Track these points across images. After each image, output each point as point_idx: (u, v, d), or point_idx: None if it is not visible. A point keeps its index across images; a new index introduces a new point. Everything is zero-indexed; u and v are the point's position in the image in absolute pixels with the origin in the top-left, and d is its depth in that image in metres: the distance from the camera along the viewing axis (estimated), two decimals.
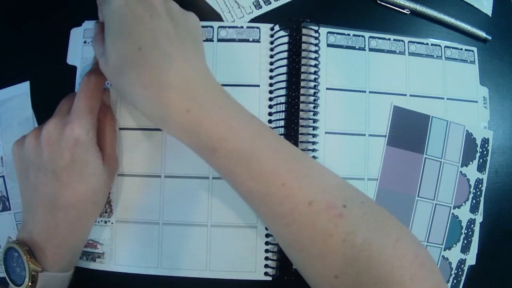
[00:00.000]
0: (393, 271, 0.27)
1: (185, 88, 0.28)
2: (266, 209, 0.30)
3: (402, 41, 0.42)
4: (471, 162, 0.41)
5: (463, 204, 0.41)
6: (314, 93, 0.39)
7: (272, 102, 0.39)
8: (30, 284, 0.31)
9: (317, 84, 0.39)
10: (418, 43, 0.42)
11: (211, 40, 0.39)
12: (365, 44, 0.41)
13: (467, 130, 0.41)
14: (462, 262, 0.40)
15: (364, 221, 0.28)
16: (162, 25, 0.29)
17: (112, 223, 0.38)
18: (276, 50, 0.39)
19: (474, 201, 0.41)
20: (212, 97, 0.29)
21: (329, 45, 0.40)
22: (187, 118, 0.28)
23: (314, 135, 0.38)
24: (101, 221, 0.38)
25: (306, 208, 0.28)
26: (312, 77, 0.39)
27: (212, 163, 0.31)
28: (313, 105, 0.39)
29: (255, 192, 0.30)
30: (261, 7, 0.41)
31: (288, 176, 0.29)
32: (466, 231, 0.41)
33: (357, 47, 0.41)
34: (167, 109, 0.28)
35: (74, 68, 0.40)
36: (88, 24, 0.40)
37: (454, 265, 0.40)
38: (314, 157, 0.38)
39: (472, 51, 0.43)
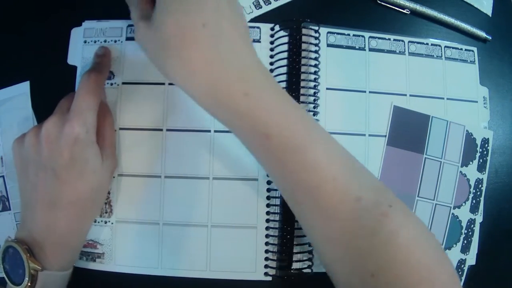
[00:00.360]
0: (429, 278, 0.27)
1: (246, 72, 0.28)
2: (311, 201, 0.29)
3: (402, 41, 0.42)
4: (471, 162, 0.41)
5: (463, 204, 0.41)
6: (314, 93, 0.39)
7: None
8: (29, 283, 0.31)
9: (317, 84, 0.39)
10: (418, 43, 0.42)
11: None
12: (365, 44, 0.41)
13: (467, 130, 0.41)
14: (462, 262, 0.40)
15: (408, 222, 0.28)
16: (222, 3, 0.28)
17: (112, 223, 0.38)
18: (276, 50, 0.39)
19: (474, 201, 0.41)
20: (269, 83, 0.29)
21: (329, 45, 0.40)
22: (244, 101, 0.27)
23: None
24: (101, 221, 0.38)
25: (354, 204, 0.28)
26: (312, 77, 0.39)
27: (261, 150, 0.29)
28: (313, 105, 0.39)
29: (303, 183, 0.29)
30: (261, 7, 0.41)
31: (339, 170, 0.28)
32: (466, 231, 0.41)
33: (357, 47, 0.41)
34: (226, 90, 0.27)
35: (74, 68, 0.40)
36: (88, 24, 0.40)
37: (454, 265, 0.40)
38: None
39: (472, 51, 0.43)
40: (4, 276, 0.33)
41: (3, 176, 0.40)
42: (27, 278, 0.31)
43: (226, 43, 0.27)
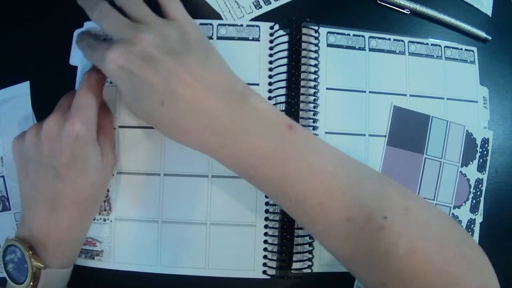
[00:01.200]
0: (438, 278, 0.27)
1: (216, 127, 0.29)
2: (306, 225, 0.31)
3: (402, 41, 0.42)
4: (471, 162, 0.41)
5: (463, 204, 0.41)
6: (314, 93, 0.39)
7: (272, 102, 0.39)
8: (32, 282, 0.31)
9: (317, 84, 0.39)
10: (418, 43, 0.42)
11: (211, 38, 0.39)
12: (365, 44, 0.41)
13: (467, 130, 0.41)
14: None
15: (407, 230, 0.28)
16: (170, 72, 0.28)
17: (111, 221, 0.38)
18: (276, 49, 0.39)
19: (474, 201, 0.41)
20: (241, 126, 0.29)
21: (329, 45, 0.40)
22: (223, 152, 0.30)
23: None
24: (100, 219, 0.38)
25: (345, 224, 0.28)
26: (312, 77, 0.39)
27: (254, 185, 0.32)
28: (313, 105, 0.39)
29: (294, 212, 0.31)
30: (261, 7, 0.41)
31: (324, 195, 0.29)
32: None
33: (357, 47, 0.41)
34: (205, 148, 0.30)
35: (74, 68, 0.40)
36: (90, 24, 0.40)
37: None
38: None
39: (472, 51, 0.43)
40: (5, 275, 0.33)
41: (3, 176, 0.40)
42: (29, 277, 0.31)
43: (191, 108, 0.29)
